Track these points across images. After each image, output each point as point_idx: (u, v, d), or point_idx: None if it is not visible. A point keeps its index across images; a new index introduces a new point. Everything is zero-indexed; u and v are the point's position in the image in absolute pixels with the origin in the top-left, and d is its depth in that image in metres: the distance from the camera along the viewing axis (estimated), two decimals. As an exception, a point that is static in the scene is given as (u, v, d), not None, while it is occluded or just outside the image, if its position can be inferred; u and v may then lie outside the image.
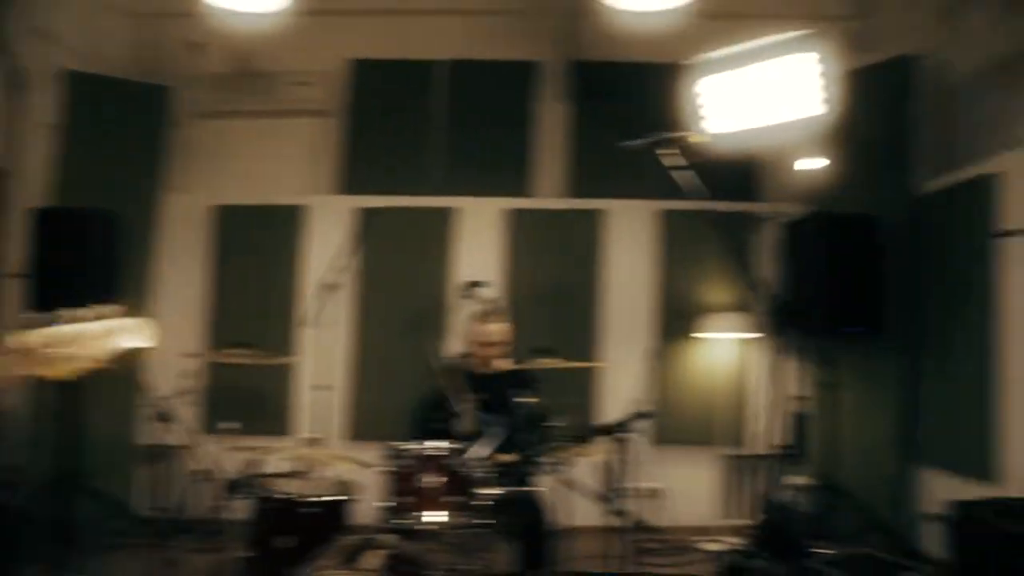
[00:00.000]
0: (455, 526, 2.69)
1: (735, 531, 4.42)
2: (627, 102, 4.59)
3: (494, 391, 3.12)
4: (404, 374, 3.73)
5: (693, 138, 4.02)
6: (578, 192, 5.02)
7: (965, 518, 3.00)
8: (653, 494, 4.82)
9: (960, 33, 4.34)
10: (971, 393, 3.91)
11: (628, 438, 3.20)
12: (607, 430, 3.21)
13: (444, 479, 2.66)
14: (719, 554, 4.19)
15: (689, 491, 4.80)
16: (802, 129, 3.77)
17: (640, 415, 3.21)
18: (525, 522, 2.89)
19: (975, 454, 3.85)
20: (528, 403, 2.80)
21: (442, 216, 4.98)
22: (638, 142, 2.65)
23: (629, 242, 4.94)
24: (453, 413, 3.20)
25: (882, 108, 4.43)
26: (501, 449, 2.81)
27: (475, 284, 3.98)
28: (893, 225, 4.36)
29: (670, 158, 2.62)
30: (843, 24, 4.71)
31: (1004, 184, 3.79)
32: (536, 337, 4.62)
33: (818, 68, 3.57)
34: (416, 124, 5.08)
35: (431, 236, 4.97)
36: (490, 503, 2.70)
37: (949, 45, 4.41)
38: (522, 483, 2.84)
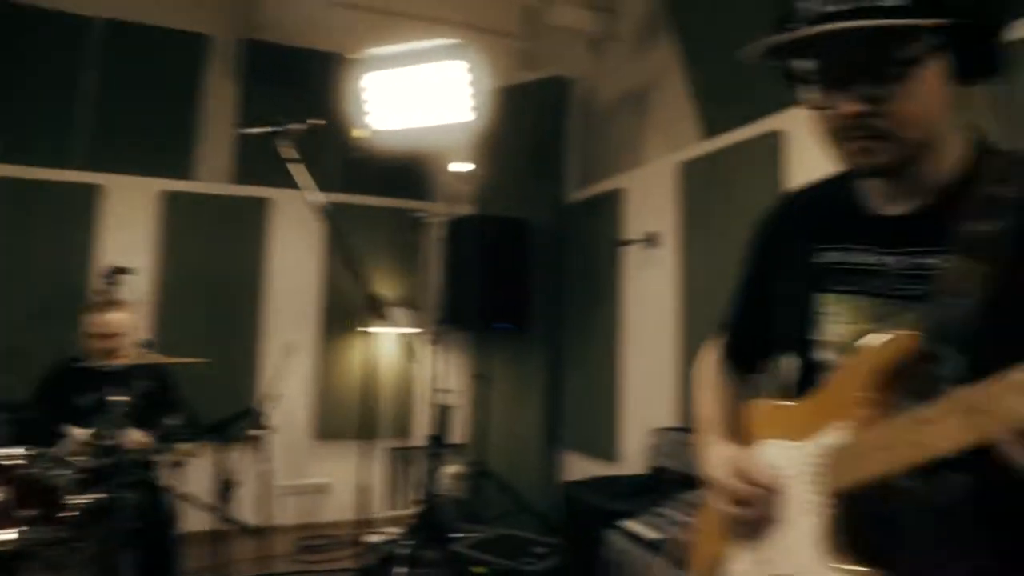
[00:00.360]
0: (37, 542, 2.38)
1: (397, 521, 4.53)
2: (299, 89, 4.46)
3: (105, 388, 2.82)
4: (29, 369, 3.24)
5: (356, 133, 4.03)
6: (244, 178, 4.76)
7: (571, 495, 3.35)
8: (320, 489, 4.76)
9: (604, 62, 4.86)
10: (600, 383, 4.40)
11: (253, 436, 3.12)
12: (217, 429, 3.09)
13: (17, 490, 2.34)
14: (376, 545, 4.26)
15: (355, 484, 4.82)
16: (456, 133, 3.95)
17: (247, 412, 3.14)
18: (135, 530, 2.65)
19: (604, 438, 4.34)
20: (123, 401, 2.56)
21: (86, 194, 4.44)
22: (254, 130, 2.55)
23: (295, 233, 4.81)
24: (56, 412, 2.86)
25: (538, 121, 4.82)
26: (101, 450, 2.54)
27: (120, 271, 3.59)
28: (543, 230, 4.77)
29: (286, 150, 2.56)
30: (510, 41, 5.04)
31: (626, 199, 4.31)
32: (193, 329, 4.34)
33: (468, 77, 3.74)
34: (60, 87, 4.44)
35: (71, 216, 4.40)
36: (81, 513, 2.43)
37: (596, 72, 4.93)
38: (127, 487, 2.59)
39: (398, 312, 4.70)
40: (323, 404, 4.81)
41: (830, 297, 1.09)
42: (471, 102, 3.71)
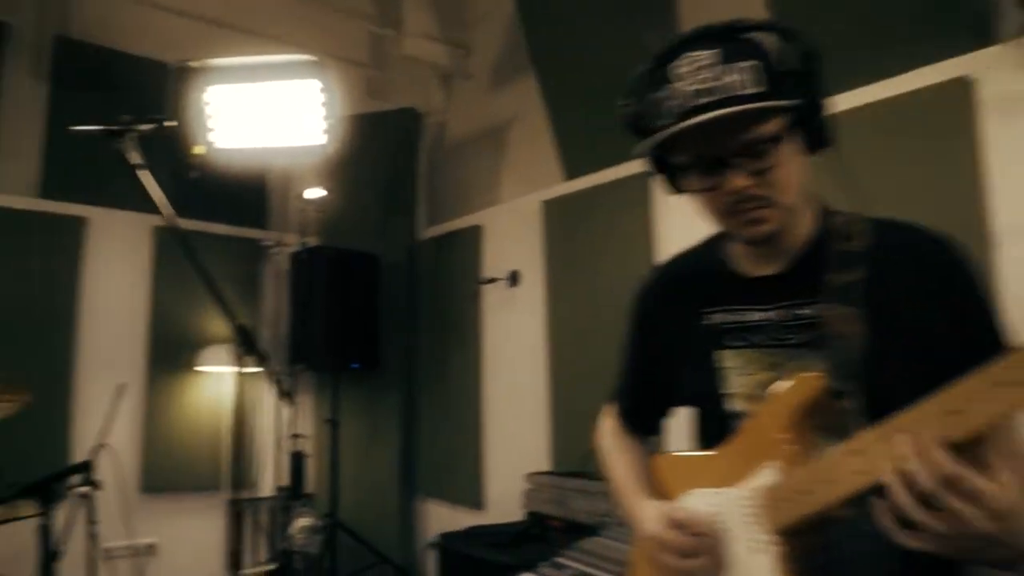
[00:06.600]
0: None
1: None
2: (124, 96, 3.94)
3: None
4: None
5: (196, 150, 3.64)
6: (54, 193, 4.03)
7: (447, 546, 3.14)
8: (148, 550, 4.15)
9: (458, 98, 4.78)
10: (461, 427, 4.21)
11: (82, 492, 2.69)
12: (39, 487, 2.64)
13: None
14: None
15: (191, 542, 4.27)
16: (304, 157, 3.68)
17: (78, 466, 2.72)
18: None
19: (467, 484, 4.14)
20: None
21: None
22: (87, 128, 2.16)
23: (117, 259, 4.17)
24: None
25: (390, 154, 4.62)
26: None
27: None
28: (395, 265, 4.55)
29: (132, 155, 2.18)
30: (359, 69, 4.82)
31: (485, 236, 4.22)
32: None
33: (321, 97, 3.50)
34: None
35: None
36: None
37: (449, 107, 4.83)
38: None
39: (241, 349, 4.25)
40: (152, 453, 4.21)
41: (727, 353, 1.19)
42: (323, 124, 3.45)
